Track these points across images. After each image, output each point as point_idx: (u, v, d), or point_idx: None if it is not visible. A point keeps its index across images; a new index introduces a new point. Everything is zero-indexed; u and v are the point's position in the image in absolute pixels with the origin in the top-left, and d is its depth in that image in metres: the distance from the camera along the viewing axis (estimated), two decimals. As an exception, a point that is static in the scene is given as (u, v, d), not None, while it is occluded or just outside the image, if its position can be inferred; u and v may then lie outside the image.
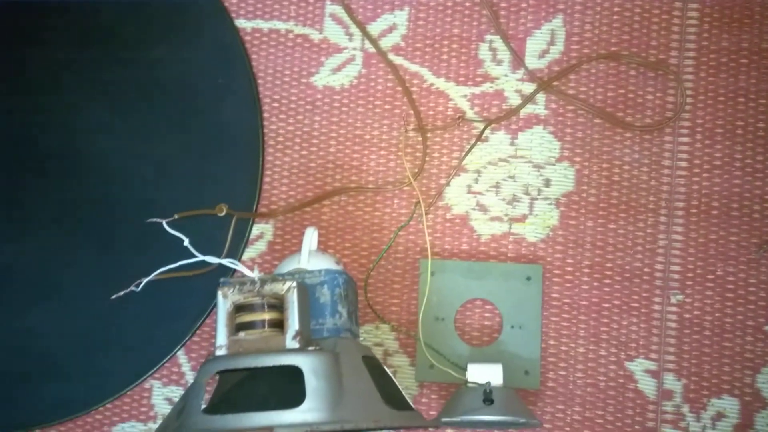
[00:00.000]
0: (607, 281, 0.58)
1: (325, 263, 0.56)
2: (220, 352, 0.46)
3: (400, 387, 0.51)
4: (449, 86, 0.62)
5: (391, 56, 0.63)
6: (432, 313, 0.58)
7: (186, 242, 0.49)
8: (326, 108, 0.63)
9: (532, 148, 0.61)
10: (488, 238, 0.60)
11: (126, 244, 0.61)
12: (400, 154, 0.61)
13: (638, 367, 0.57)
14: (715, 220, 0.58)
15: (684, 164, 0.59)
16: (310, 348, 0.45)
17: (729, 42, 0.59)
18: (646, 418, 0.57)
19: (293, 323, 0.46)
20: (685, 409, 0.56)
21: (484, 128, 0.60)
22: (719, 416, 0.56)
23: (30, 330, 0.61)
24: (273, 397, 0.44)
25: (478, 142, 0.61)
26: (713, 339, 0.57)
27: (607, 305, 0.58)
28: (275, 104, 0.64)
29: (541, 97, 0.61)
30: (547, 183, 0.60)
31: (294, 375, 0.45)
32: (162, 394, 0.61)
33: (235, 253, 0.61)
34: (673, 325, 0.57)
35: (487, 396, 0.52)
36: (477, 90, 0.62)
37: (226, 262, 0.49)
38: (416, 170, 0.61)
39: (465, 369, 0.55)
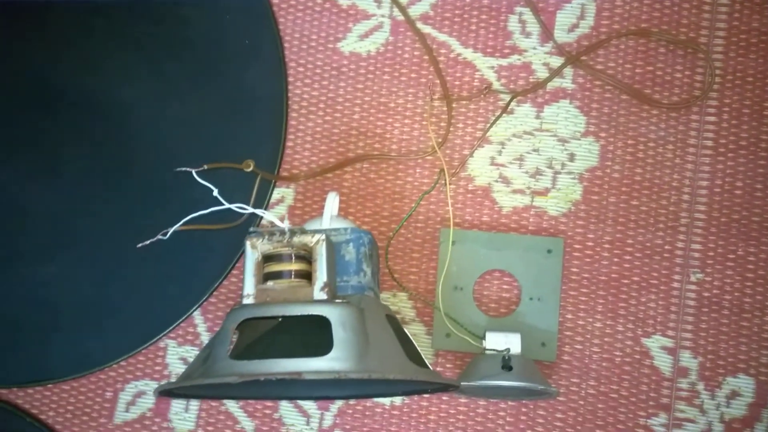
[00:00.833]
0: (627, 257, 0.58)
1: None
2: (247, 301, 0.46)
3: (418, 348, 0.51)
4: (476, 57, 0.62)
5: (420, 25, 0.62)
6: (451, 283, 0.58)
7: (215, 192, 0.49)
8: (352, 74, 0.63)
9: (557, 122, 0.60)
10: (509, 210, 0.60)
11: (148, 197, 0.61)
12: (424, 123, 0.61)
13: (655, 343, 0.57)
14: (738, 200, 0.58)
15: (710, 143, 0.59)
16: (338, 300, 0.45)
17: (760, 23, 0.59)
18: (660, 395, 0.57)
19: (321, 275, 0.46)
20: (700, 386, 0.56)
21: (510, 100, 0.60)
22: (734, 395, 0.56)
23: (47, 282, 0.61)
24: (298, 347, 0.44)
25: (503, 114, 0.60)
26: (731, 318, 0.57)
27: (626, 281, 0.58)
28: (300, 69, 0.63)
29: (568, 71, 0.61)
30: (572, 157, 0.60)
31: (318, 328, 0.45)
32: (177, 354, 0.61)
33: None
34: (692, 303, 0.57)
35: (506, 363, 0.52)
36: (504, 62, 0.61)
37: (258, 211, 0.49)
38: (440, 140, 0.61)
39: (482, 338, 0.55)
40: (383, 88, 0.62)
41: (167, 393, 0.47)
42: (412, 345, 0.50)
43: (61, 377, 0.61)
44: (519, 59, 0.61)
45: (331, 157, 0.62)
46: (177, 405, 0.61)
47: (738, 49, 0.59)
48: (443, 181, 0.60)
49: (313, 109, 0.63)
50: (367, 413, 0.59)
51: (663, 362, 0.57)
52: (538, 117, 0.61)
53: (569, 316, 0.58)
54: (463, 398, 0.58)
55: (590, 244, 0.59)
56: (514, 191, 0.60)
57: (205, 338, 0.61)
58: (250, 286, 0.46)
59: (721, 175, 0.59)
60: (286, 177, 0.62)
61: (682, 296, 0.58)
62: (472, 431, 0.58)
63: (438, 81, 0.62)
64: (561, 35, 0.61)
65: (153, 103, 0.62)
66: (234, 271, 0.61)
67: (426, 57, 0.62)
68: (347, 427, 0.59)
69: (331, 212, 0.56)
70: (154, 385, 0.61)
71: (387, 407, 0.59)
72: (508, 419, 0.58)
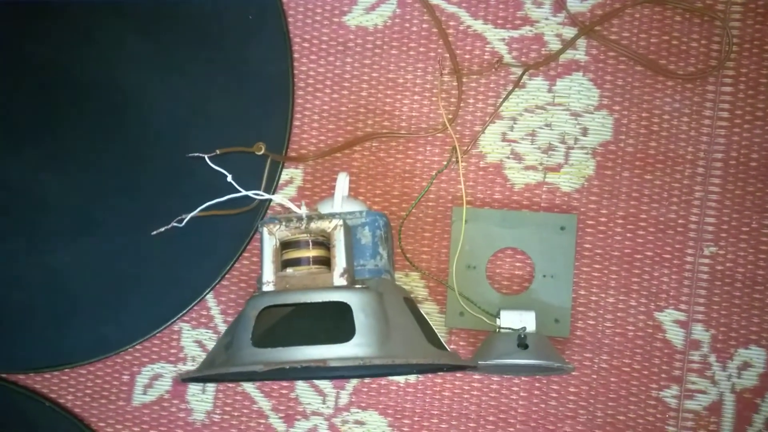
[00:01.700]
0: (641, 232, 0.58)
1: (357, 209, 0.55)
2: (267, 288, 0.46)
3: (435, 329, 0.51)
4: (487, 29, 0.60)
5: (427, -4, 0.60)
6: (464, 261, 0.58)
7: (229, 178, 0.48)
8: (358, 49, 0.61)
9: (570, 95, 0.59)
10: (522, 187, 0.59)
11: (160, 182, 0.60)
12: (434, 99, 0.60)
13: (667, 317, 0.58)
14: (753, 172, 0.58)
15: (725, 114, 0.58)
16: (357, 286, 0.45)
17: (779, -12, 0.57)
18: (672, 367, 0.57)
19: (341, 261, 0.46)
20: (712, 358, 0.57)
21: (522, 73, 0.59)
22: (745, 366, 0.57)
23: (62, 268, 0.60)
24: (319, 332, 0.44)
25: (515, 89, 0.59)
26: (744, 291, 0.57)
27: (639, 256, 0.58)
28: (306, 44, 0.61)
29: (582, 43, 0.59)
30: (585, 132, 0.59)
31: (337, 313, 0.45)
32: (191, 337, 0.61)
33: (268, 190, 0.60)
34: (705, 276, 0.57)
35: (522, 341, 0.52)
36: (516, 33, 0.60)
37: (275, 198, 0.49)
38: (450, 116, 0.59)
39: (496, 316, 0.55)
40: (391, 63, 0.61)
41: (191, 380, 0.48)
42: (428, 326, 0.50)
43: (78, 362, 0.61)
44: (531, 30, 0.59)
45: (339, 136, 0.61)
46: (194, 387, 0.61)
47: (756, 16, 0.57)
48: (455, 159, 0.59)
49: (319, 87, 0.61)
50: (382, 391, 0.60)
51: (675, 335, 0.58)
52: (550, 91, 0.59)
53: (582, 291, 0.58)
54: (477, 375, 0.58)
55: (603, 219, 0.59)
56: (527, 168, 0.59)
57: (219, 321, 0.62)
58: (269, 273, 0.46)
59: (736, 147, 0.58)
60: (294, 158, 0.61)
61: (695, 270, 0.58)
62: (487, 407, 0.59)
63: (447, 55, 0.60)
64: (574, 5, 0.59)
65: (158, 84, 0.61)
66: (245, 254, 0.61)
67: (435, 30, 0.60)
68: (363, 404, 0.60)
69: (342, 193, 0.55)
70: (170, 368, 0.61)
71: (402, 385, 0.59)
72: (521, 394, 0.58)
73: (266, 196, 0.49)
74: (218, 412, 0.61)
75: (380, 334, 0.43)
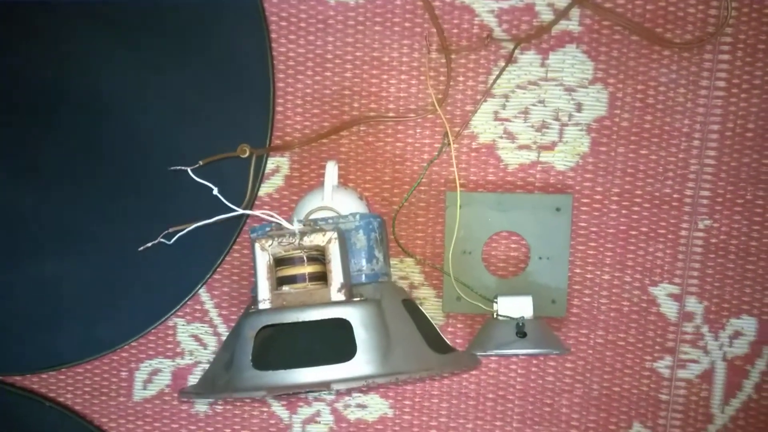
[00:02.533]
0: (636, 208, 0.58)
1: (348, 199, 0.54)
2: (263, 306, 0.45)
3: (437, 327, 0.51)
4: (475, 0, 0.56)
5: (411, -34, 0.56)
6: (459, 247, 0.57)
7: (215, 191, 0.46)
8: (340, 27, 0.57)
9: (563, 69, 0.57)
10: (515, 167, 0.58)
11: (146, 187, 0.58)
12: (422, 78, 0.57)
13: (661, 291, 0.58)
14: (749, 143, 0.57)
15: (722, 84, 0.56)
16: (356, 299, 0.45)
17: (781, -55, 0.54)
18: (666, 339, 0.59)
19: (337, 276, 0.45)
20: (705, 329, 0.58)
21: (514, 48, 0.56)
22: (737, 334, 0.58)
23: (54, 276, 0.59)
24: (319, 348, 0.44)
25: (508, 65, 0.56)
26: (737, 262, 0.57)
27: (634, 232, 0.58)
28: (283, 23, 0.58)
29: (575, 12, 0.56)
30: (579, 108, 0.57)
31: (335, 326, 0.44)
32: (186, 331, 0.61)
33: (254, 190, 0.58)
34: (699, 249, 0.58)
35: (520, 329, 0.53)
36: (505, 4, 0.56)
37: (263, 214, 0.47)
38: (440, 96, 0.57)
39: (493, 301, 0.55)
40: (375, 41, 0.57)
41: (192, 395, 0.48)
42: (429, 326, 0.50)
43: (75, 361, 0.61)
44: (521, 1, 0.56)
45: (324, 120, 0.59)
46: (195, 380, 0.61)
47: (757, -22, 0.55)
48: (447, 143, 0.57)
49: (300, 68, 0.58)
50: (382, 376, 0.60)
51: (669, 309, 0.58)
52: (543, 65, 0.57)
53: (578, 270, 0.58)
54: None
55: (598, 197, 0.58)
56: (520, 147, 0.58)
57: (214, 315, 0.61)
58: (264, 291, 0.45)
59: (732, 117, 0.57)
60: (279, 147, 0.58)
61: (689, 243, 0.58)
62: (486, 384, 0.60)
63: (434, 30, 0.57)
64: (567, -29, 0.56)
65: (132, 83, 0.57)
66: (235, 246, 0.60)
67: (420, 2, 0.57)
68: (364, 389, 0.60)
69: (332, 183, 0.54)
70: (167, 362, 0.61)
71: (402, 368, 0.60)
72: (519, 371, 0.59)
73: (256, 213, 0.48)
74: (220, 402, 0.61)
75: (382, 349, 0.43)
